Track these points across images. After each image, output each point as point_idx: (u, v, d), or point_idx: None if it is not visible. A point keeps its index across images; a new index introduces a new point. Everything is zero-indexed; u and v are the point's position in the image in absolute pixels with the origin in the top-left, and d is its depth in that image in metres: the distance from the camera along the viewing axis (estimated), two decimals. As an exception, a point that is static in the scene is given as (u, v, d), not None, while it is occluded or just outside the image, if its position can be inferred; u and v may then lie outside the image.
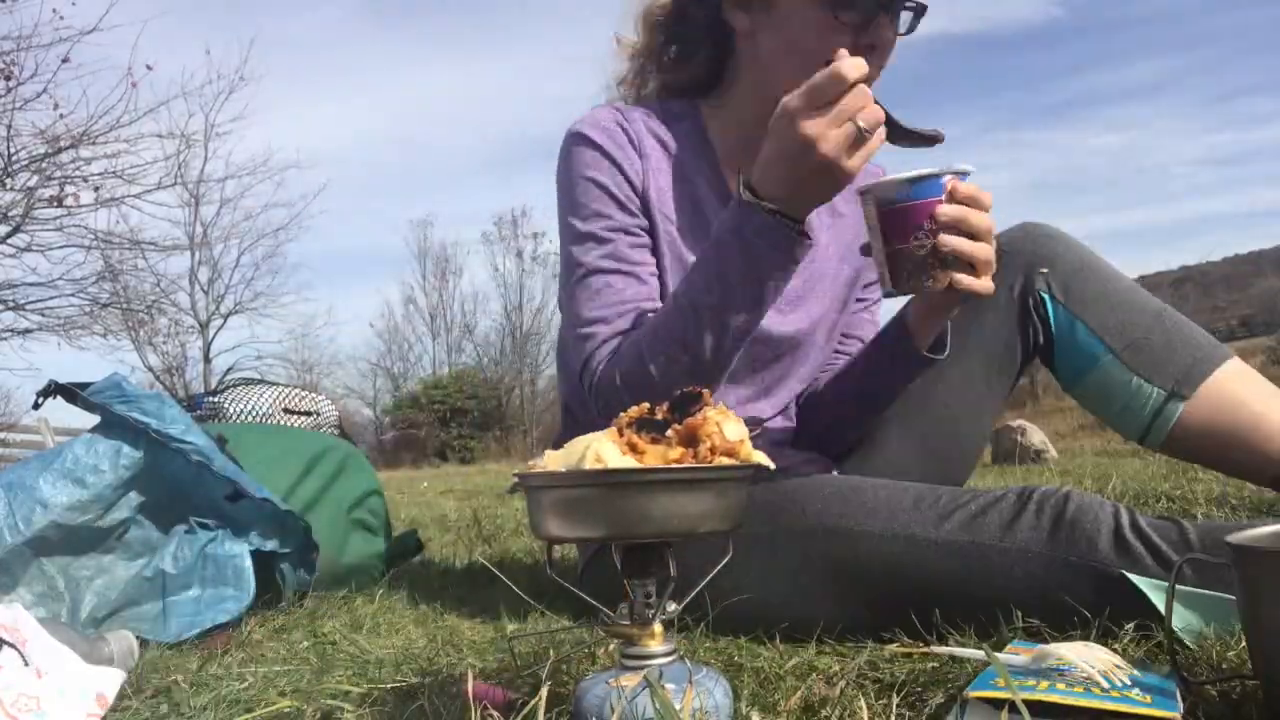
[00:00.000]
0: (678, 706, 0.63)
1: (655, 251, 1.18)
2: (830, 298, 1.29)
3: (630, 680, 0.66)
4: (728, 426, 0.68)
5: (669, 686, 0.64)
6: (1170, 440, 1.12)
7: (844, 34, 1.05)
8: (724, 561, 0.73)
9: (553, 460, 0.69)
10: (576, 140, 1.19)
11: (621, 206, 1.16)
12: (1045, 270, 1.17)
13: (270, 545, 1.34)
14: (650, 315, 1.11)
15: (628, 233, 1.16)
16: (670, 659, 0.68)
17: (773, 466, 0.71)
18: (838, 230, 1.30)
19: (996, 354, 1.23)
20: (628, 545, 0.69)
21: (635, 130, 1.20)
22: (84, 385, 1.35)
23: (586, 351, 1.12)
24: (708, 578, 0.73)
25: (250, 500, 1.34)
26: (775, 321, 1.21)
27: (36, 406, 1.46)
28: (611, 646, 0.95)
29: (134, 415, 1.29)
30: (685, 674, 0.67)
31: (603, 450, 0.65)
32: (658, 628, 0.68)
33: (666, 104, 1.25)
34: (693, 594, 0.74)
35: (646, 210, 1.18)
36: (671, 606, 0.70)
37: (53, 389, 1.39)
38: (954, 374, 1.23)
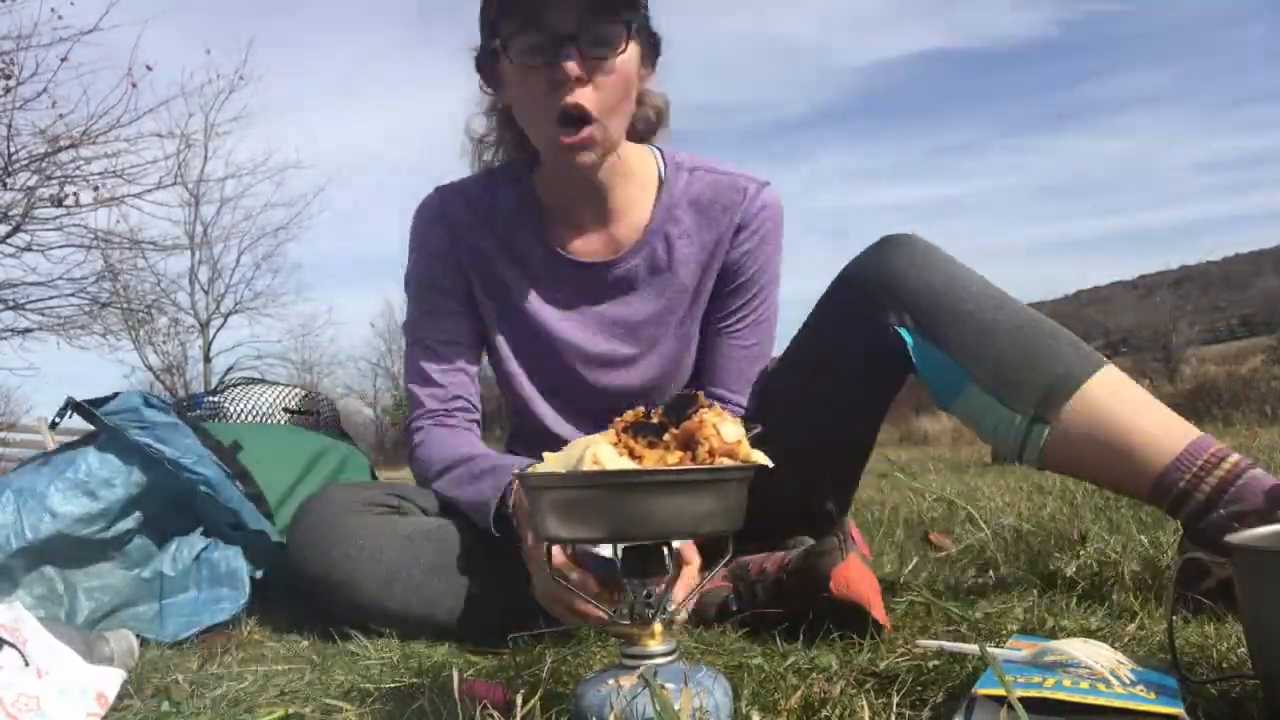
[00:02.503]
0: (677, 706, 0.63)
1: (472, 302, 1.35)
2: (679, 331, 1.34)
3: (629, 680, 0.66)
4: (725, 428, 0.68)
5: (668, 686, 0.64)
6: (1045, 460, 1.08)
7: (537, 76, 1.13)
8: (725, 560, 0.73)
9: (552, 461, 0.69)
10: (415, 223, 1.36)
11: (439, 290, 1.34)
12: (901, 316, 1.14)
13: (260, 574, 1.35)
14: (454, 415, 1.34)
15: (443, 314, 1.35)
16: (670, 658, 0.68)
17: (771, 465, 0.71)
18: (693, 253, 1.31)
19: (855, 403, 1.23)
20: (628, 545, 0.69)
21: (454, 212, 1.34)
22: (101, 401, 1.35)
23: (410, 417, 1.36)
24: (708, 577, 0.74)
25: (248, 532, 1.35)
26: (621, 377, 1.33)
27: (53, 426, 1.47)
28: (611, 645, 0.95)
29: (148, 442, 1.30)
30: (686, 674, 0.67)
31: (600, 453, 0.66)
32: (658, 627, 0.69)
33: (504, 169, 1.36)
34: (693, 593, 0.75)
35: (461, 274, 1.34)
36: (673, 606, 0.71)
37: (70, 406, 1.38)
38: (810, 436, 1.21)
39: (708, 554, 0.78)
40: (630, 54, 1.15)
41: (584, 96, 1.13)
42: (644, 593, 0.69)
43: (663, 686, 0.65)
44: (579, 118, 1.13)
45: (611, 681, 0.66)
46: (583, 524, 0.65)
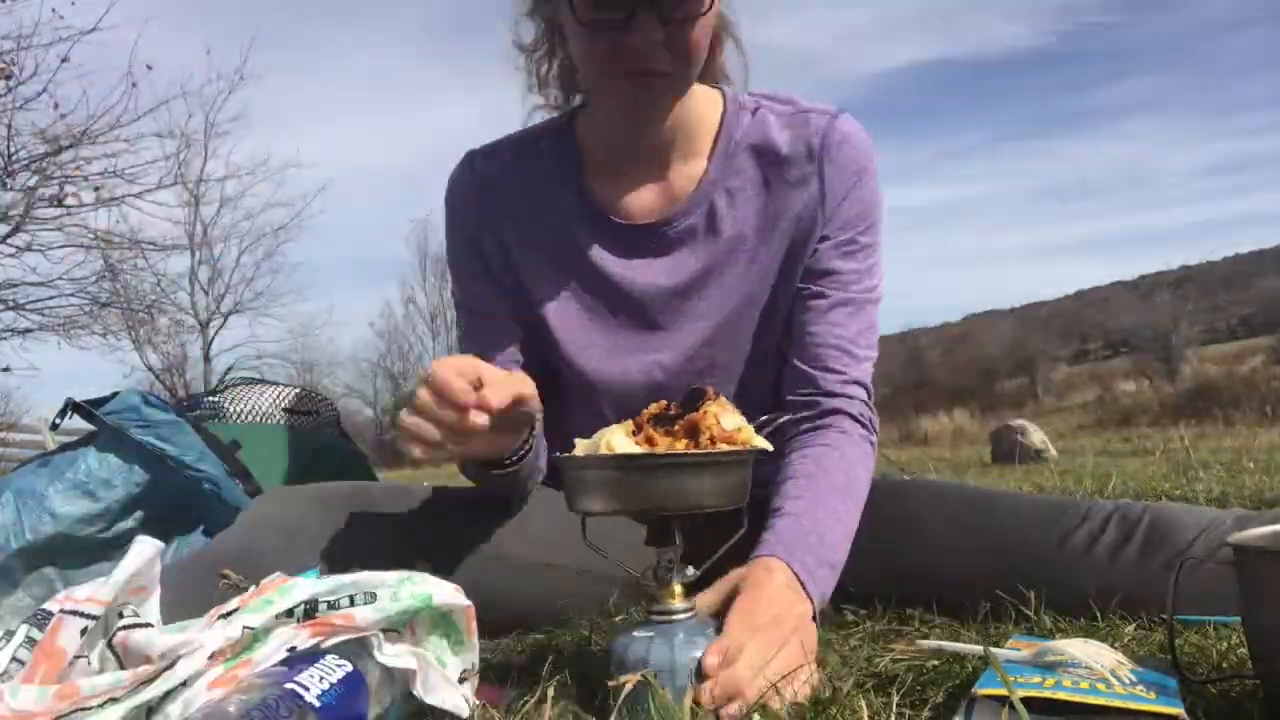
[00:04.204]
0: (693, 656, 0.75)
1: (517, 291, 1.17)
2: (739, 290, 1.14)
3: (650, 633, 0.77)
4: (725, 418, 0.77)
5: (681, 637, 0.76)
6: None
7: (602, 36, 0.98)
8: (738, 534, 0.83)
9: (582, 448, 0.80)
10: (445, 197, 1.20)
11: (474, 276, 1.19)
12: None
13: None
14: None
15: (483, 305, 1.18)
16: (688, 615, 0.79)
17: (770, 448, 0.81)
18: (759, 205, 1.14)
19: None
20: (651, 518, 0.80)
21: (484, 180, 1.18)
22: (100, 401, 1.34)
23: None
24: (724, 547, 0.83)
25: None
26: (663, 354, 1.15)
27: (54, 427, 1.47)
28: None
29: (150, 440, 1.30)
30: (699, 629, 0.77)
31: (614, 440, 0.77)
32: (678, 587, 0.79)
33: (539, 126, 1.21)
34: (710, 561, 0.83)
35: (498, 250, 1.17)
36: (690, 570, 0.81)
37: (70, 407, 1.38)
38: None
39: (721, 528, 0.83)
40: (714, 9, 1.01)
41: (658, 60, 0.99)
42: (665, 559, 0.80)
43: (662, 688, 0.71)
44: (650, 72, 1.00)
45: (636, 633, 0.77)
46: (608, 499, 0.77)
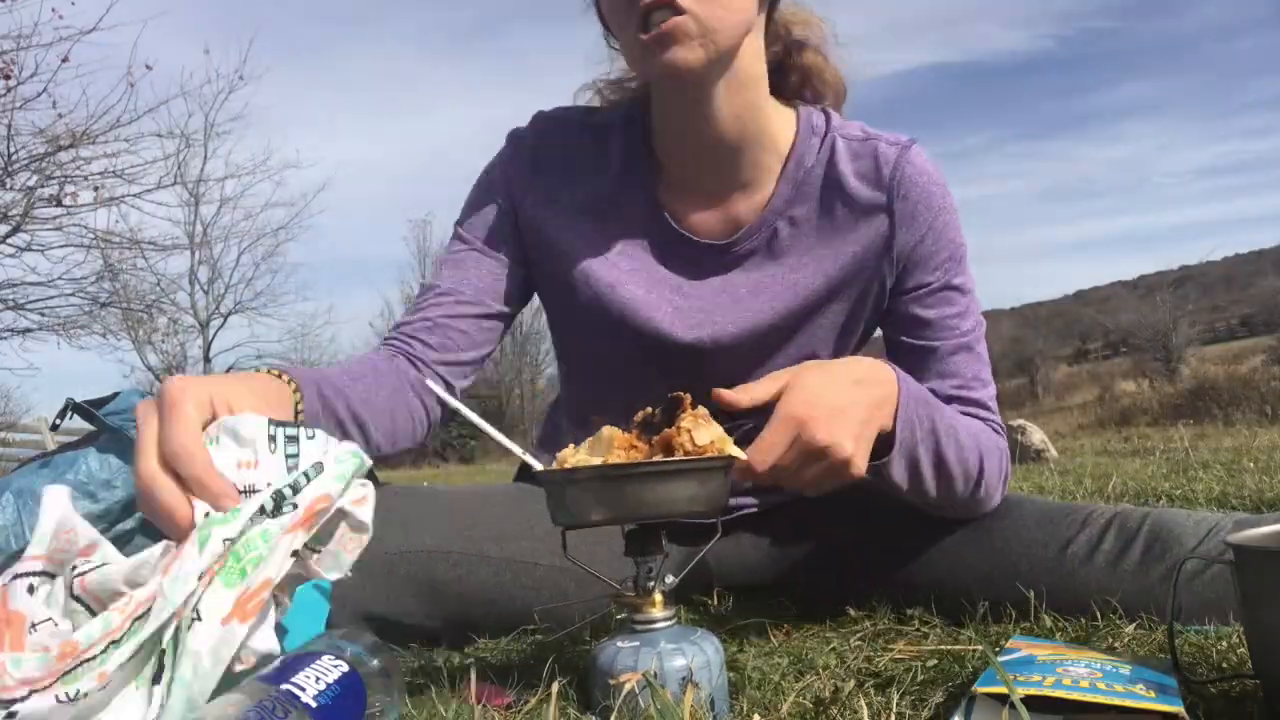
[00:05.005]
0: (679, 663, 0.73)
1: (529, 281, 1.16)
2: (775, 310, 1.10)
3: (633, 643, 0.76)
4: (698, 433, 0.78)
5: (665, 645, 0.75)
6: None
7: None
8: (714, 540, 0.84)
9: (565, 459, 0.80)
10: (499, 153, 1.16)
11: (487, 218, 1.14)
12: None
13: None
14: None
15: (484, 254, 1.14)
16: (669, 623, 0.79)
17: (744, 457, 0.81)
18: (821, 236, 1.09)
19: None
20: (630, 528, 0.80)
21: (543, 150, 1.13)
22: (101, 401, 1.34)
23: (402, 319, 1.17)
24: (700, 553, 0.85)
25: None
26: (679, 328, 1.10)
27: (54, 428, 1.47)
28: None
29: None
30: (682, 635, 0.77)
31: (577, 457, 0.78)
32: (658, 597, 0.79)
33: (611, 113, 1.14)
34: (688, 569, 0.85)
35: (526, 221, 1.12)
36: (670, 579, 0.81)
37: (70, 407, 1.38)
38: None
39: (696, 536, 0.83)
40: None
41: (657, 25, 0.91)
42: (645, 568, 0.80)
43: (662, 687, 0.70)
44: (666, 5, 0.91)
45: (620, 643, 0.76)
46: (591, 510, 0.76)
